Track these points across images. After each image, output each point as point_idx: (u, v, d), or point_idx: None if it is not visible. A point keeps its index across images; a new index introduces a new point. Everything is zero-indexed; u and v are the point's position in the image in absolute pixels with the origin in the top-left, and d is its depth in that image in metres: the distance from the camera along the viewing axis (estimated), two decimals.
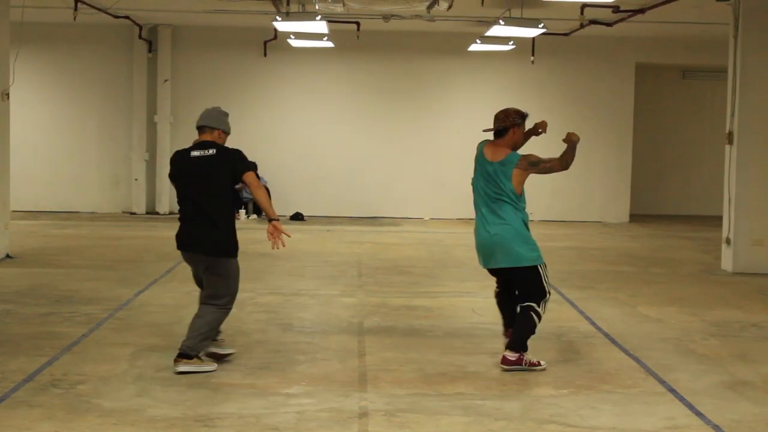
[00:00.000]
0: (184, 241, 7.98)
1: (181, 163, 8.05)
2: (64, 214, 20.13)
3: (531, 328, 8.08)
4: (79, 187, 20.77)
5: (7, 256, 13.76)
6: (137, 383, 7.46)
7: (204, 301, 8.01)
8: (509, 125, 8.30)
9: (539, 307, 8.05)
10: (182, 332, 9.19)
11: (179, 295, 11.15)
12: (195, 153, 7.98)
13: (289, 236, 7.96)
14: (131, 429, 6.37)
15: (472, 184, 8.41)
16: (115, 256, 14.26)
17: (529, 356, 8.08)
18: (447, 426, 6.56)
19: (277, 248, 8.04)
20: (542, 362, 8.11)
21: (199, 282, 8.15)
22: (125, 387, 7.35)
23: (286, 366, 8.10)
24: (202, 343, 7.85)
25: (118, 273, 12.70)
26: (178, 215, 8.10)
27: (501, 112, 8.38)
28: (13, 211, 15.76)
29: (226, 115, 8.30)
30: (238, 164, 7.90)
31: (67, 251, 14.74)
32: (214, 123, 8.13)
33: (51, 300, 10.75)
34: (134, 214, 20.49)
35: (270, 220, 8.00)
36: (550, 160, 8.32)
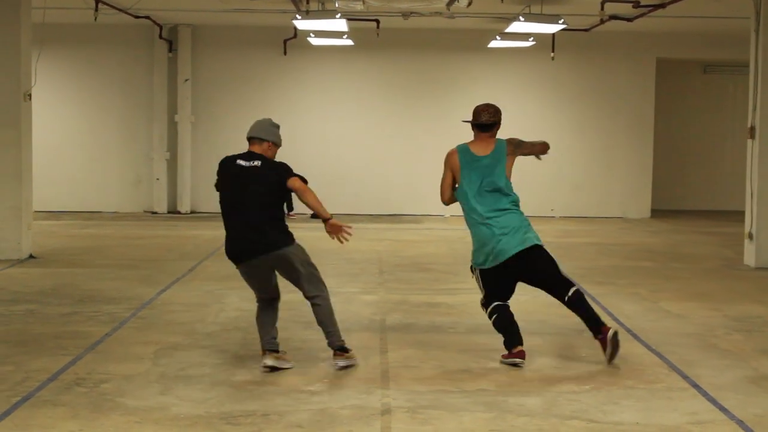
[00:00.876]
0: (236, 255, 7.94)
1: (225, 170, 8.03)
2: (86, 214, 20.22)
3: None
4: (100, 187, 20.85)
5: (30, 256, 13.84)
6: (160, 382, 7.49)
7: (309, 301, 8.09)
8: (498, 121, 8.33)
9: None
10: (205, 330, 9.28)
11: (201, 293, 11.18)
12: (241, 162, 7.95)
13: (350, 229, 7.93)
14: (155, 427, 6.40)
15: (460, 194, 8.35)
16: (137, 255, 14.31)
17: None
18: (469, 422, 6.56)
19: (342, 243, 8.04)
20: (513, 358, 8.08)
21: (263, 290, 8.15)
22: (149, 385, 7.38)
23: (308, 364, 8.11)
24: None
25: (140, 272, 12.74)
26: (224, 226, 8.02)
27: (489, 106, 8.37)
28: (36, 211, 15.82)
29: (277, 127, 8.20)
30: (284, 174, 7.87)
31: (90, 251, 14.80)
32: (264, 134, 8.05)
33: (74, 299, 10.81)
34: (156, 213, 20.56)
35: (325, 221, 7.92)
36: (532, 143, 8.33)
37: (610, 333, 8.00)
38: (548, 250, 8.28)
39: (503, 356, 8.13)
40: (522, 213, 8.30)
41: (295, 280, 8.01)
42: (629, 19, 16.75)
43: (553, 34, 18.88)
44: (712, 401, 7.11)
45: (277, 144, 8.12)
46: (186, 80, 20.51)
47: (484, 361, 8.19)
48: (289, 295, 11.16)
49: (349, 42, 18.52)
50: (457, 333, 9.36)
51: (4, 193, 13.64)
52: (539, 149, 8.42)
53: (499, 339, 8.99)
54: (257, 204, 7.79)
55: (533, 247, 8.13)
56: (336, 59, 20.70)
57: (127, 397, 7.06)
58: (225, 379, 7.57)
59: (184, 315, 10.01)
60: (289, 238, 7.94)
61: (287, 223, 8.01)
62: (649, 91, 20.94)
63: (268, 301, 8.14)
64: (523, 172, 18.80)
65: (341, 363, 7.91)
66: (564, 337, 9.22)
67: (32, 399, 6.97)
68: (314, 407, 6.87)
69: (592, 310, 8.14)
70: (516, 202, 8.30)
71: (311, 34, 17.89)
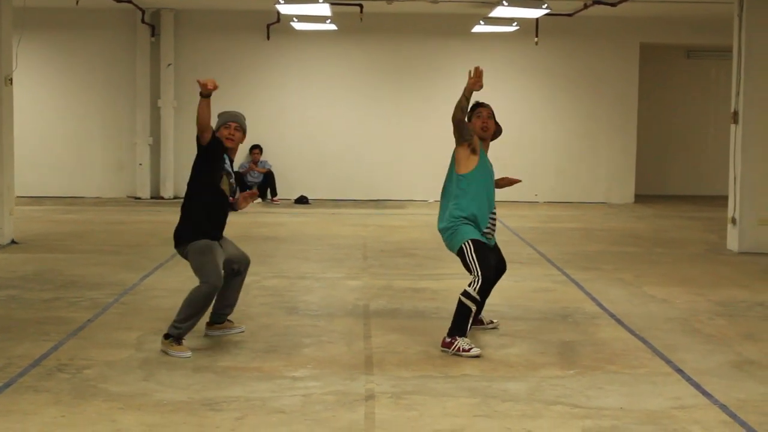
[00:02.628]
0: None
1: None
2: (68, 199, 20.14)
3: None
4: (83, 172, 20.76)
5: (12, 241, 13.77)
6: (143, 367, 7.46)
7: None
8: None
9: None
10: None
11: (184, 279, 11.10)
12: None
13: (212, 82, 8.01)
14: (138, 413, 6.37)
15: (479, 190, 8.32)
16: (119, 240, 14.26)
17: (462, 342, 7.95)
18: (453, 408, 6.56)
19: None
20: (473, 349, 7.89)
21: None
22: (131, 371, 7.35)
23: (291, 349, 8.09)
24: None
25: (123, 258, 12.70)
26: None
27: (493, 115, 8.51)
28: (18, 196, 15.75)
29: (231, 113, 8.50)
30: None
31: (72, 236, 14.74)
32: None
33: (56, 285, 10.76)
34: (139, 198, 20.49)
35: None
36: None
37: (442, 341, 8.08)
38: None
39: (463, 350, 7.92)
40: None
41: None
42: (613, 4, 16.75)
43: (537, 19, 18.86)
44: (696, 386, 7.12)
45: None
46: (169, 65, 20.41)
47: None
48: (273, 281, 11.19)
49: (333, 27, 18.46)
50: (441, 318, 9.34)
51: None
52: (457, 116, 8.32)
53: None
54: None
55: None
56: (319, 44, 20.64)
57: (109, 383, 7.03)
58: (208, 365, 7.55)
59: (167, 301, 9.97)
60: (182, 236, 8.16)
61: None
62: (633, 76, 20.95)
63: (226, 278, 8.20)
64: (506, 158, 18.88)
65: (163, 348, 7.90)
66: (548, 323, 9.22)
67: (14, 385, 6.94)
68: (298, 393, 6.85)
69: (456, 314, 8.02)
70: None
71: (294, 19, 17.83)
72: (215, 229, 8.20)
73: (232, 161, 8.42)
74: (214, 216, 8.19)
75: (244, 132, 8.32)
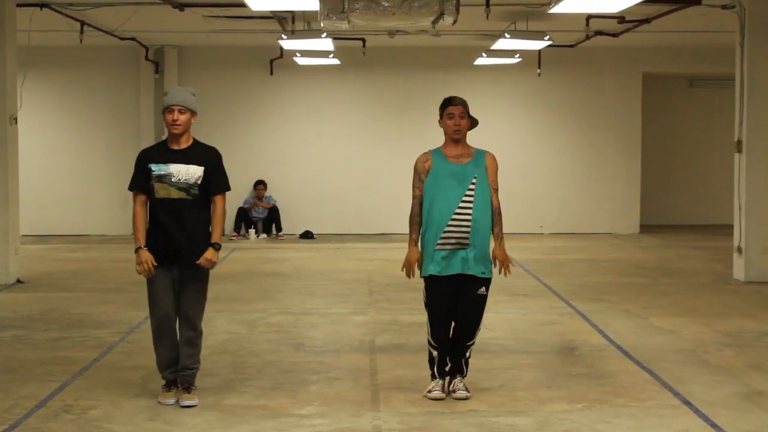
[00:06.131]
0: None
1: None
2: (73, 237, 20.13)
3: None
4: (88, 209, 20.77)
5: (18, 281, 13.76)
6: (149, 407, 7.43)
7: None
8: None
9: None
10: None
11: None
12: None
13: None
14: None
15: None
16: (125, 278, 14.22)
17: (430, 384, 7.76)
18: None
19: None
20: (434, 391, 7.64)
21: None
22: (138, 411, 7.32)
23: (298, 386, 8.06)
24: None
25: (128, 295, 12.68)
26: None
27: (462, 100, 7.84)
28: (23, 235, 15.76)
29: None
30: None
31: (78, 275, 14.74)
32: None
33: (62, 324, 10.74)
34: None
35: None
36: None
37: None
38: None
39: (427, 391, 7.69)
40: None
41: None
42: (615, 35, 16.78)
43: (539, 51, 18.89)
44: (704, 418, 7.08)
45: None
46: None
47: (474, 381, 8.13)
48: (278, 317, 11.16)
49: (336, 61, 18.51)
50: None
51: None
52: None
53: (487, 359, 8.98)
54: None
55: None
56: (322, 78, 20.70)
57: (115, 423, 7.00)
58: (214, 403, 7.51)
59: None
60: None
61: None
62: (636, 105, 20.98)
63: None
64: (511, 189, 18.91)
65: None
66: (554, 356, 9.19)
67: (20, 427, 6.91)
68: (305, 430, 6.82)
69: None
70: None
71: (297, 54, 17.88)
72: (162, 241, 7.47)
73: (179, 151, 7.56)
74: (159, 226, 7.47)
75: (191, 111, 7.59)
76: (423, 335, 10.04)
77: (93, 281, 14.06)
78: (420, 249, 7.84)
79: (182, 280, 7.55)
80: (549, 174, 21.00)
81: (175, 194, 7.44)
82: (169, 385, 7.58)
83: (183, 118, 7.52)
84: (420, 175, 7.91)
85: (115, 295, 12.80)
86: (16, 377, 8.37)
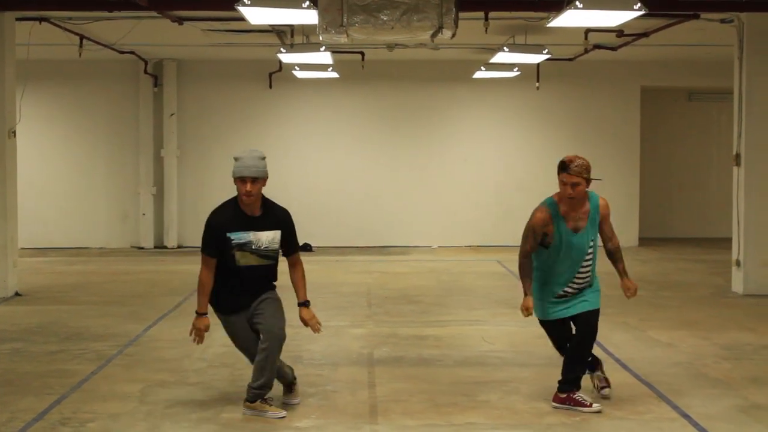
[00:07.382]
0: None
1: None
2: (72, 250, 20.13)
3: None
4: (87, 222, 20.76)
5: (16, 293, 13.76)
6: (147, 420, 7.43)
7: None
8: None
9: None
10: (192, 367, 9.23)
11: (188, 329, 11.09)
12: None
13: None
14: None
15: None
16: (124, 291, 14.24)
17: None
18: None
19: None
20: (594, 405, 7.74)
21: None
22: (135, 424, 7.32)
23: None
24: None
25: (127, 308, 12.68)
26: None
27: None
28: (22, 248, 15.75)
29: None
30: None
31: (76, 287, 14.73)
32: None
33: (60, 337, 10.73)
34: (142, 248, 20.48)
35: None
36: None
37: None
38: None
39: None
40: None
41: None
42: (613, 48, 16.81)
43: (538, 64, 18.92)
44: (702, 431, 7.07)
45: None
46: (172, 114, 20.50)
47: (473, 394, 8.15)
48: None
49: (334, 74, 18.54)
50: (446, 366, 9.32)
51: None
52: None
53: (487, 372, 8.98)
54: None
55: None
56: (321, 92, 20.72)
57: None
58: (211, 417, 7.51)
59: (171, 352, 9.95)
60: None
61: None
62: (635, 119, 21.00)
63: None
64: (510, 201, 18.91)
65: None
66: (553, 368, 9.16)
67: None
68: None
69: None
70: None
71: (296, 67, 17.91)
72: (237, 296, 7.69)
73: (255, 218, 7.61)
74: (236, 286, 7.67)
75: (263, 179, 7.50)
76: (421, 348, 10.08)
77: (91, 294, 14.05)
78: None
79: (257, 307, 7.83)
80: (547, 187, 20.86)
81: (256, 261, 7.60)
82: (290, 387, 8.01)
83: (256, 188, 7.47)
84: (537, 236, 8.07)
85: (113, 308, 12.79)
86: (14, 390, 8.36)
